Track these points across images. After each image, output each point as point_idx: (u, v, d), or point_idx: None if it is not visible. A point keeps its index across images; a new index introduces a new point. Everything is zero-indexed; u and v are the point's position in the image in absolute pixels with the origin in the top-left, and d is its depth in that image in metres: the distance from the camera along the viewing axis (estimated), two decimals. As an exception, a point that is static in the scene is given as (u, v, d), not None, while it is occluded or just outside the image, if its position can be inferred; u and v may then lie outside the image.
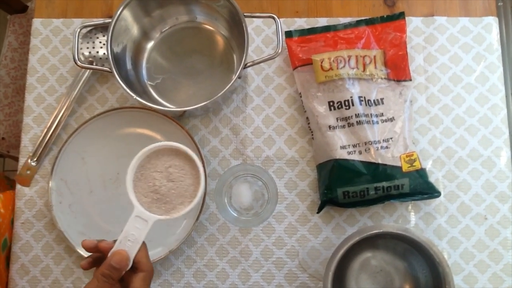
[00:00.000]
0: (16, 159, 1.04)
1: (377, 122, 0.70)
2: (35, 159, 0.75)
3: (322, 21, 0.79)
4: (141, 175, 0.56)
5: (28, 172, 0.75)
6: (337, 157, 0.69)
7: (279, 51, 0.66)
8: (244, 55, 0.66)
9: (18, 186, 0.75)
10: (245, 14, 0.67)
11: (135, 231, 0.52)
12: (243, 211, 0.72)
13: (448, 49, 0.77)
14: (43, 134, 0.75)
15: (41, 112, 0.77)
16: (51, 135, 0.75)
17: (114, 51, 0.68)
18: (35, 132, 0.77)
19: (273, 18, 0.67)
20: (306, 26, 0.78)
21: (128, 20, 0.70)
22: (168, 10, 0.74)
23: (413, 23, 0.78)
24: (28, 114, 0.77)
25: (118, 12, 0.67)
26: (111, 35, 0.67)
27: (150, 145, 0.55)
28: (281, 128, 0.76)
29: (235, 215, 0.70)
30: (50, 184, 0.73)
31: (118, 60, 0.69)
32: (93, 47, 0.77)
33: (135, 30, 0.73)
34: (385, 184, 0.69)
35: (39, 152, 0.75)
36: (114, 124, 0.75)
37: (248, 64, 0.66)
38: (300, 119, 0.76)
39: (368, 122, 0.70)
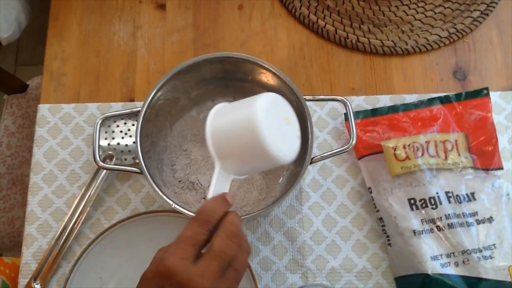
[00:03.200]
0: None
1: (473, 224, 0.57)
2: (39, 281, 0.59)
3: (383, 99, 0.66)
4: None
5: (30, 298, 0.59)
6: (429, 272, 0.55)
7: (353, 142, 0.53)
8: (309, 147, 0.53)
9: (16, 317, 0.59)
10: (306, 97, 0.54)
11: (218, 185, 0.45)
12: None
13: (537, 128, 0.65)
14: (50, 247, 0.60)
15: (48, 219, 0.62)
16: (60, 248, 0.60)
17: (142, 146, 0.54)
18: (39, 244, 0.61)
19: (343, 102, 0.55)
20: (366, 105, 0.66)
21: (159, 103, 0.57)
22: (208, 90, 0.62)
23: (491, 99, 0.66)
24: (32, 221, 0.62)
25: (150, 97, 0.54)
26: (140, 126, 0.54)
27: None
28: (346, 231, 0.61)
29: None
30: (59, 316, 0.57)
31: (145, 154, 0.55)
32: (113, 138, 0.63)
33: (167, 114, 0.60)
34: (491, 304, 0.54)
35: (45, 271, 0.60)
36: (139, 233, 0.60)
37: (315, 159, 0.53)
38: (369, 219, 0.62)
39: (461, 224, 0.56)
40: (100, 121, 0.54)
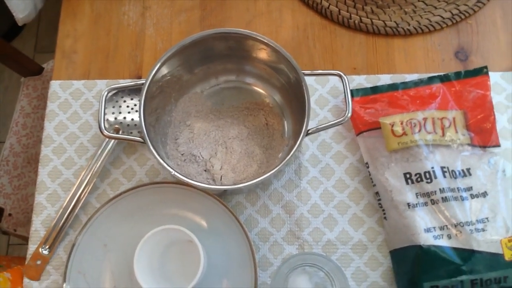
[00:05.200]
0: (24, 238, 0.91)
1: (467, 198, 0.58)
2: (47, 247, 0.62)
3: (384, 78, 0.68)
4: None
5: (39, 262, 0.62)
6: (422, 243, 0.56)
7: (349, 114, 0.54)
8: (305, 120, 0.54)
9: (25, 280, 0.62)
10: (304, 72, 0.56)
11: None
12: (303, 310, 0.58)
13: (537, 108, 0.65)
14: (58, 216, 0.63)
15: (57, 189, 0.65)
16: (67, 216, 0.63)
17: (146, 118, 0.57)
18: (48, 213, 0.64)
19: (340, 76, 0.56)
20: (367, 84, 0.67)
21: (164, 78, 0.59)
22: (212, 67, 0.64)
23: (492, 79, 0.66)
24: (41, 191, 0.65)
25: (154, 71, 0.56)
26: (144, 98, 0.56)
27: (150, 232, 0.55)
28: (343, 205, 0.63)
29: (294, 316, 0.56)
30: (65, 280, 0.59)
31: (150, 127, 0.58)
32: (120, 112, 0.66)
33: (171, 90, 0.62)
34: (483, 276, 0.55)
35: (53, 237, 0.62)
36: (143, 203, 0.62)
37: (311, 131, 0.55)
38: (366, 194, 0.63)
39: (455, 198, 0.57)
40: (106, 93, 0.56)
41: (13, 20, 0.76)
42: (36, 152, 0.94)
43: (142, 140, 0.55)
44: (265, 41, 0.57)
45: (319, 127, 0.55)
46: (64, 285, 0.59)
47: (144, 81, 0.56)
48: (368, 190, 0.63)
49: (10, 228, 0.90)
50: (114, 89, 0.57)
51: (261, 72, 0.64)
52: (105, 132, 0.55)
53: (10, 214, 0.90)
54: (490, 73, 0.65)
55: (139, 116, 0.55)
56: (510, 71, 0.67)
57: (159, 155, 0.55)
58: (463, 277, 0.55)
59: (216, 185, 0.61)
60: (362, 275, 0.60)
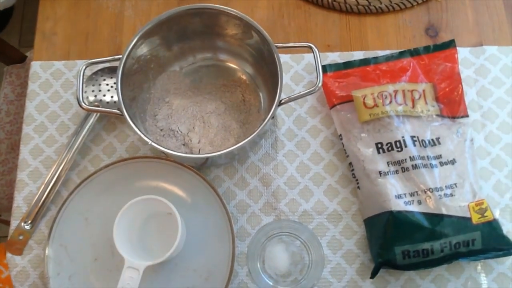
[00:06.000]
0: (8, 223, 0.92)
1: (436, 166, 0.60)
2: (29, 222, 0.63)
3: (357, 55, 0.70)
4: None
5: (21, 237, 0.63)
6: (393, 209, 0.58)
7: (320, 84, 0.56)
8: (278, 90, 0.56)
9: (8, 255, 0.63)
10: (277, 45, 0.58)
11: (129, 280, 0.55)
12: (280, 278, 0.60)
13: (504, 81, 0.68)
14: (39, 192, 0.64)
15: (38, 166, 0.66)
16: (49, 192, 0.64)
17: (124, 93, 0.58)
18: (30, 189, 0.65)
19: (311, 47, 0.58)
20: (340, 61, 0.69)
21: (142, 55, 0.61)
22: (189, 45, 0.65)
23: (461, 54, 0.69)
24: (23, 168, 0.66)
25: (131, 45, 0.58)
26: (121, 72, 0.57)
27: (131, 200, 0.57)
28: (319, 177, 0.65)
29: (270, 283, 0.58)
30: (46, 252, 0.60)
31: (128, 102, 0.59)
32: (99, 90, 0.67)
33: (150, 68, 0.64)
34: (452, 239, 0.57)
35: (35, 212, 0.64)
36: (123, 177, 0.63)
37: (284, 101, 0.56)
38: (340, 166, 0.65)
39: (425, 165, 0.59)
40: (84, 66, 0.57)
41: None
42: (20, 139, 0.94)
43: (120, 112, 0.56)
44: (239, 15, 0.59)
45: (291, 96, 0.56)
46: (46, 257, 0.60)
47: (120, 56, 0.58)
48: (342, 162, 0.65)
49: (-6, 213, 0.91)
50: (91, 63, 0.58)
51: (236, 48, 0.65)
52: (84, 105, 0.56)
53: (-6, 200, 0.91)
54: (459, 49, 0.68)
55: (116, 88, 0.56)
56: (478, 46, 0.70)
57: (138, 129, 0.56)
58: (433, 241, 0.57)
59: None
60: (337, 244, 0.62)
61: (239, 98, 0.67)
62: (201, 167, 0.65)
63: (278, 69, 0.56)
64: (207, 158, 0.61)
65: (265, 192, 0.64)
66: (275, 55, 0.57)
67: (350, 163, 0.63)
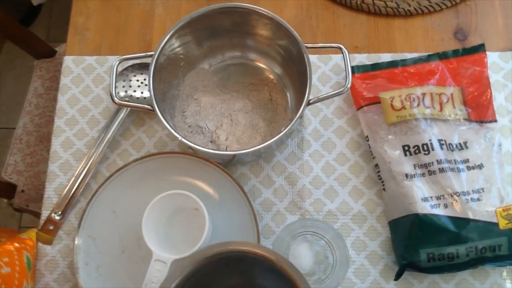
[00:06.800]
0: (36, 214, 0.94)
1: (463, 170, 0.60)
2: (59, 212, 0.65)
3: (385, 57, 0.70)
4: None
5: (51, 227, 0.65)
6: (419, 212, 0.58)
7: (349, 85, 0.57)
8: (307, 90, 0.57)
9: (38, 244, 0.64)
10: (306, 45, 0.58)
11: (157, 273, 0.56)
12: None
13: (534, 86, 0.67)
14: (70, 184, 0.66)
15: (69, 159, 0.68)
16: (79, 184, 0.66)
17: (155, 88, 0.59)
18: (61, 181, 0.67)
19: (340, 48, 0.58)
20: (368, 62, 0.69)
21: (173, 52, 0.62)
22: (219, 43, 0.66)
23: (490, 59, 0.68)
24: (54, 160, 0.68)
25: (164, 42, 0.59)
26: (153, 68, 0.59)
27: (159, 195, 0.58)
28: (344, 177, 0.65)
29: (294, 281, 0.58)
30: (76, 242, 0.62)
31: (159, 99, 0.60)
32: (130, 86, 0.68)
33: (180, 65, 0.65)
34: (478, 244, 0.57)
35: (65, 204, 0.65)
36: (151, 172, 0.65)
37: (312, 101, 0.57)
38: (366, 167, 0.65)
39: (452, 169, 0.59)
40: (117, 62, 0.59)
41: (24, 11, 0.79)
42: (48, 132, 0.97)
43: (151, 108, 0.57)
44: (269, 15, 0.59)
45: (320, 96, 0.57)
46: (75, 248, 0.62)
47: (153, 53, 0.59)
48: (368, 164, 0.65)
49: (22, 203, 0.93)
50: (125, 59, 0.59)
51: (265, 47, 0.66)
52: (116, 100, 0.58)
53: (22, 191, 0.93)
54: (488, 53, 0.67)
55: (148, 85, 0.58)
56: (508, 51, 0.69)
57: (168, 125, 0.57)
58: (459, 245, 0.57)
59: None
60: (361, 245, 0.63)
61: (266, 97, 0.67)
62: (228, 164, 0.66)
63: (308, 70, 0.57)
64: (234, 155, 0.62)
65: (290, 191, 0.65)
66: (305, 56, 0.58)
67: (376, 165, 0.63)
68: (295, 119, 0.56)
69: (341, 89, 0.56)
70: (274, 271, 0.49)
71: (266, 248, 0.49)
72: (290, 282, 0.47)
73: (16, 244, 0.61)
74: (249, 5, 0.60)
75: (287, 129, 0.56)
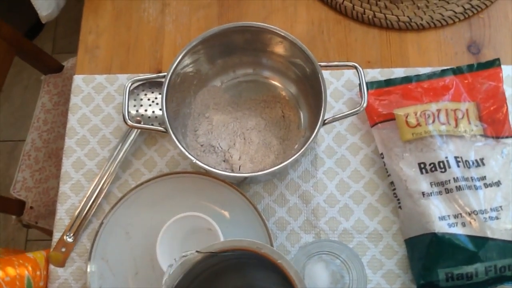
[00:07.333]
0: (45, 230, 0.94)
1: (481, 187, 0.59)
2: (71, 234, 0.64)
3: (398, 72, 0.69)
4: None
5: (63, 249, 0.64)
6: (437, 231, 0.57)
7: (365, 104, 0.56)
8: (322, 110, 0.56)
9: (51, 267, 0.64)
10: (320, 64, 0.58)
11: None
12: (320, 297, 0.60)
13: (549, 100, 0.66)
14: (81, 205, 0.65)
15: (80, 179, 0.67)
16: (91, 205, 0.65)
17: (168, 108, 0.59)
18: (72, 202, 0.66)
19: (355, 67, 0.58)
20: (381, 78, 0.69)
21: (186, 71, 0.61)
22: (231, 61, 0.66)
23: (504, 72, 0.67)
24: (65, 181, 0.67)
25: (176, 62, 0.58)
26: (166, 89, 0.58)
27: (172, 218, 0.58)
28: (359, 195, 0.64)
29: (311, 302, 0.58)
30: (88, 265, 0.61)
31: (171, 118, 0.60)
32: (141, 105, 0.68)
33: (193, 83, 0.64)
34: (498, 263, 0.56)
35: (77, 225, 0.65)
36: (163, 192, 0.64)
37: (327, 120, 0.56)
38: (381, 184, 0.64)
39: (469, 187, 0.59)
40: (130, 84, 0.58)
41: (31, 23, 0.79)
42: (57, 147, 0.96)
43: (164, 130, 0.57)
44: (282, 34, 0.59)
45: (335, 116, 0.56)
46: (88, 271, 0.61)
47: (166, 73, 0.58)
48: (383, 181, 0.65)
49: (31, 220, 0.92)
50: (137, 80, 0.59)
51: (278, 65, 0.65)
52: (129, 122, 0.57)
53: (31, 207, 0.93)
54: (503, 66, 0.67)
55: (161, 105, 0.57)
56: (523, 64, 0.68)
57: (181, 146, 0.57)
58: (478, 264, 0.56)
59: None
60: (377, 263, 0.62)
61: (278, 114, 0.67)
62: (241, 184, 0.65)
63: (322, 89, 0.56)
64: (247, 177, 0.62)
65: (304, 210, 0.64)
66: (319, 75, 0.57)
67: (392, 182, 0.62)
68: (311, 139, 0.55)
69: (357, 109, 0.56)
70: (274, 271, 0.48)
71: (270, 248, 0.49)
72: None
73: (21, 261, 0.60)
74: (262, 24, 0.59)
75: (303, 149, 0.55)
